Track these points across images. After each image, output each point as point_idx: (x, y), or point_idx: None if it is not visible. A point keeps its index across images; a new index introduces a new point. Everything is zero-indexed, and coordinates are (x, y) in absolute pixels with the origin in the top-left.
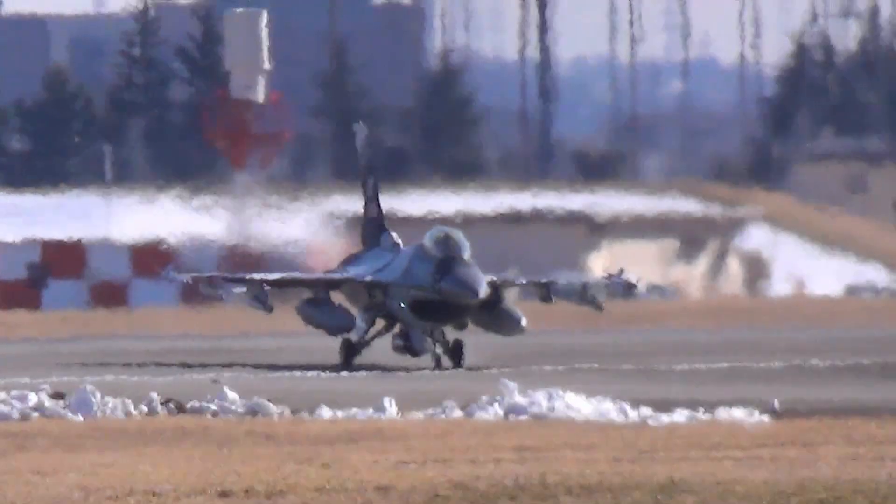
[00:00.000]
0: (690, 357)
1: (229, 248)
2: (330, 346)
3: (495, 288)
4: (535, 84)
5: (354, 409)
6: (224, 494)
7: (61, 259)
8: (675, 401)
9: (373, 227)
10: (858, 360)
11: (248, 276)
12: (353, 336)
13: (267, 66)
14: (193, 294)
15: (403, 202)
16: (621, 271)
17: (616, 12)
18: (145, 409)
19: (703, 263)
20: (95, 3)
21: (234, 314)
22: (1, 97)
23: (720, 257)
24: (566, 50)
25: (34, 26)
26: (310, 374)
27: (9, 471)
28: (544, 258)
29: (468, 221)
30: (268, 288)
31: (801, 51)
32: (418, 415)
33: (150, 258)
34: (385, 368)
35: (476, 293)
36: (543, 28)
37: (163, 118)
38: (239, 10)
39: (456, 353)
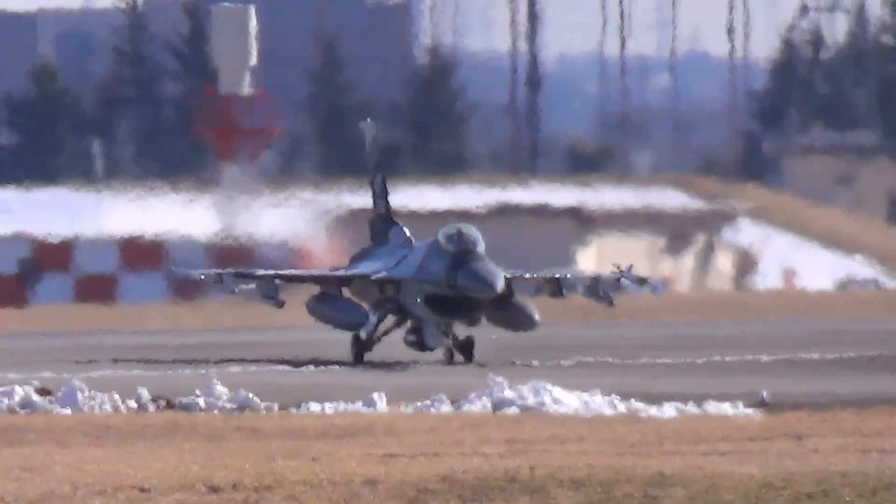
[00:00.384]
0: (679, 351)
1: (217, 243)
2: (321, 340)
3: (507, 283)
4: (524, 79)
5: (342, 404)
6: (212, 489)
7: (50, 254)
8: (665, 394)
9: (382, 223)
10: (847, 353)
11: (258, 273)
12: (364, 332)
13: (255, 61)
14: (182, 289)
15: (393, 197)
16: (631, 266)
17: (605, 7)
18: (134, 404)
19: (692, 258)
20: None
21: (223, 309)
22: None
23: (709, 251)
24: (555, 45)
25: (23, 21)
26: (302, 368)
27: None
28: (533, 252)
29: (457, 216)
30: (279, 282)
31: (790, 45)
32: (407, 409)
33: (139, 253)
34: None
35: (494, 288)
36: (533, 23)
37: (151, 114)
38: (227, 5)
39: (466, 348)
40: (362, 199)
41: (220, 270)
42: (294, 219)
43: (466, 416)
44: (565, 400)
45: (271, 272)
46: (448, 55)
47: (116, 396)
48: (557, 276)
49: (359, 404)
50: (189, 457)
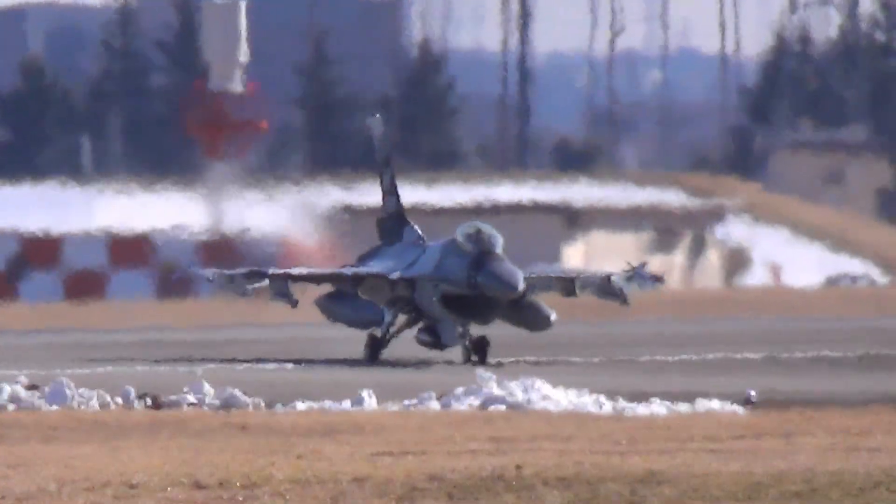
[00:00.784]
0: (668, 348)
1: (206, 239)
2: (310, 337)
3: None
4: (513, 75)
5: (329, 402)
6: (199, 486)
7: (39, 251)
8: (653, 392)
9: (392, 222)
10: (836, 351)
11: (271, 272)
12: (379, 331)
13: (245, 57)
14: (170, 286)
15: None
16: (644, 264)
17: (596, 3)
18: (121, 401)
19: (681, 254)
20: None
21: (212, 306)
22: None
23: (699, 248)
24: (545, 40)
25: (12, 16)
26: (288, 366)
27: None
28: (522, 249)
29: (446, 212)
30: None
31: (781, 41)
32: (395, 406)
33: (128, 249)
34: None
35: (515, 289)
36: (523, 18)
37: (141, 109)
38: (217, 1)
39: (481, 348)
40: (352, 195)
41: (231, 271)
42: (283, 214)
43: (454, 414)
44: (554, 397)
45: (283, 271)
46: (438, 50)
47: (104, 393)
48: (572, 275)
49: (346, 402)
50: (176, 454)
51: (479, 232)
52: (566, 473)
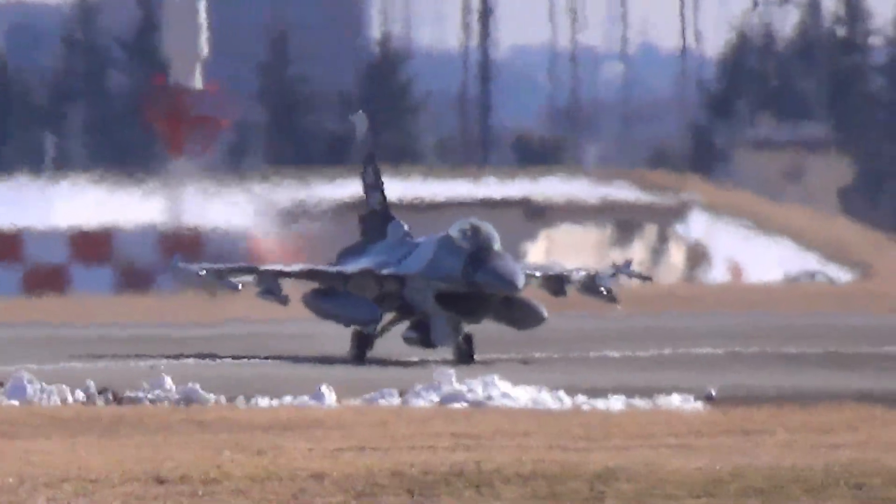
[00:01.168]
0: (628, 344)
1: (168, 234)
2: (275, 333)
3: None
4: (474, 71)
5: (289, 398)
6: (160, 481)
7: (0, 246)
8: (612, 388)
9: (376, 218)
10: (797, 347)
11: (260, 269)
12: (366, 328)
13: (205, 53)
14: (131, 281)
15: (343, 189)
16: (629, 262)
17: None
18: (82, 396)
19: (642, 250)
20: None
21: (173, 301)
22: None
23: (660, 244)
24: (507, 37)
25: None
26: (250, 361)
27: None
28: None
29: (407, 207)
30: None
31: (741, 38)
32: (355, 402)
33: (89, 244)
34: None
35: (516, 286)
36: (484, 15)
37: (102, 105)
38: None
39: (466, 345)
40: (313, 191)
41: (220, 266)
42: (244, 210)
43: (414, 410)
44: (514, 394)
45: (273, 268)
46: (399, 47)
47: (65, 388)
48: (560, 273)
49: (306, 398)
50: (136, 449)
51: (476, 229)
52: (526, 469)
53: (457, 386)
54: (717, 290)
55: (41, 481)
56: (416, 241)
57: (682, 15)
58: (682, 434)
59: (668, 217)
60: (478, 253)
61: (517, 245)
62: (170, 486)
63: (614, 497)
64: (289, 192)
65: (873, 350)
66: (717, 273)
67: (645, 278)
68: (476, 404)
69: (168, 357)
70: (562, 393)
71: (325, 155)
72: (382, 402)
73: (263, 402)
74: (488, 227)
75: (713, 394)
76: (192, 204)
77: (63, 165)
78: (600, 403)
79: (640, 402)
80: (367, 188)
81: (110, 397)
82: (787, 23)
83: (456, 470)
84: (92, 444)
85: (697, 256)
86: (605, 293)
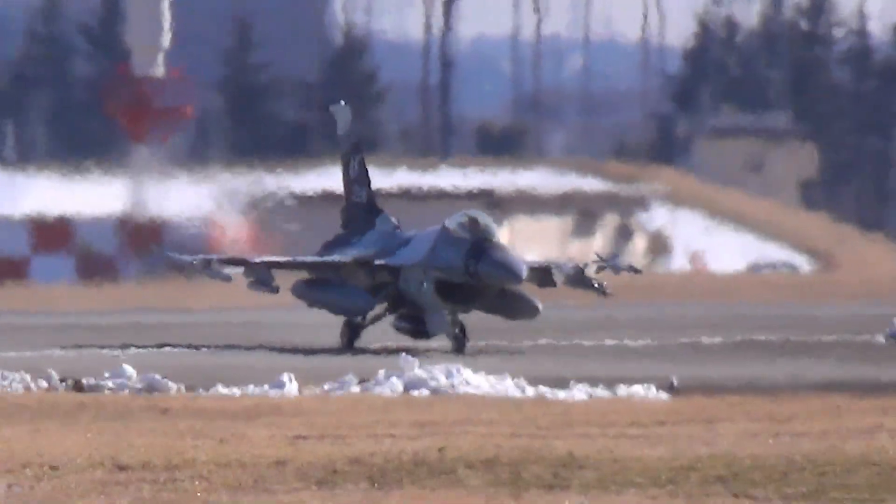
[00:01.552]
0: (590, 333)
1: (129, 224)
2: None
3: None
4: (437, 60)
5: (251, 386)
6: (121, 468)
7: None
8: (575, 377)
9: (361, 210)
10: (758, 337)
11: (251, 260)
12: (359, 317)
13: (168, 42)
14: (91, 270)
15: (305, 178)
16: (615, 255)
17: None
18: (44, 384)
19: (604, 240)
20: None
21: (133, 290)
22: None
23: (622, 234)
24: (470, 25)
25: None
26: (212, 349)
27: None
28: None
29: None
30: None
31: (704, 28)
32: (316, 390)
33: (49, 233)
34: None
35: (519, 276)
36: (447, 4)
37: (65, 94)
38: None
39: (461, 335)
40: (275, 181)
41: (209, 257)
42: (206, 199)
43: (376, 398)
44: (476, 382)
45: (263, 259)
46: (361, 36)
47: (27, 376)
48: (548, 264)
49: (267, 386)
50: (98, 436)
51: (474, 220)
52: (488, 457)
53: (419, 373)
54: (678, 279)
55: (3, 468)
56: (409, 233)
57: (644, 5)
58: (645, 423)
59: (629, 207)
60: (479, 244)
61: None
62: (131, 472)
63: (577, 484)
64: (251, 181)
65: (834, 339)
66: (679, 263)
67: (636, 271)
68: (438, 392)
69: (130, 346)
70: (524, 382)
71: (288, 144)
72: (344, 390)
73: (224, 390)
74: (487, 218)
75: (675, 383)
76: (154, 193)
77: (24, 154)
78: (563, 392)
79: (602, 392)
80: (350, 180)
81: (73, 385)
82: (750, 14)
83: (418, 458)
84: (54, 431)
85: (659, 246)
86: (596, 286)
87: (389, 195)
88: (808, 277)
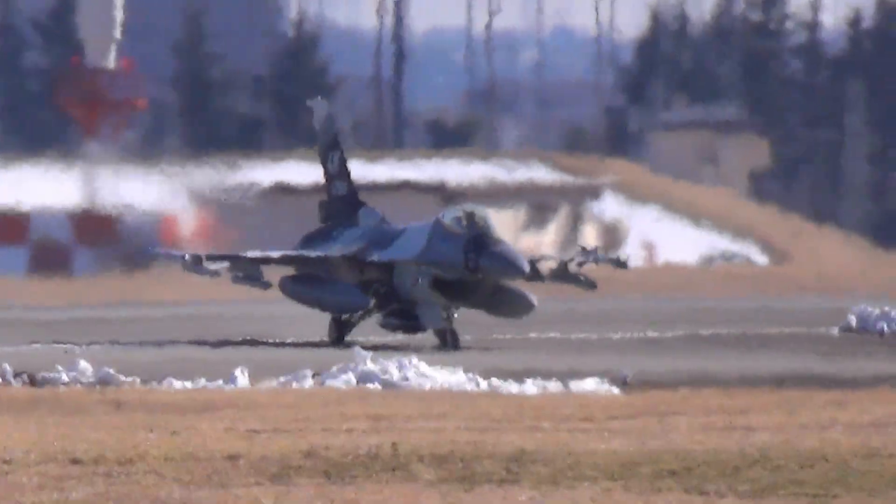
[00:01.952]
0: (543, 327)
1: (81, 216)
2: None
3: None
4: (390, 52)
5: (203, 380)
6: (75, 462)
7: None
8: (528, 371)
9: (342, 204)
10: (711, 330)
11: (241, 255)
12: (354, 315)
13: (120, 34)
14: (44, 263)
15: (257, 171)
16: (597, 248)
17: None
18: None
19: (557, 232)
20: None
21: (86, 284)
22: None
23: (575, 226)
24: (423, 18)
25: None
26: (166, 343)
27: None
28: None
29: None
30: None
31: (656, 21)
32: (270, 384)
33: (2, 226)
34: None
35: (522, 270)
36: None
37: (17, 87)
38: None
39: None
40: (230, 173)
41: (199, 253)
42: (158, 192)
43: (330, 392)
44: (429, 375)
45: (252, 254)
46: (314, 29)
47: None
48: (532, 258)
49: (221, 381)
50: (51, 430)
51: (471, 215)
52: (441, 451)
53: (372, 367)
54: (631, 272)
55: None
56: (399, 228)
57: None
58: (598, 417)
59: (582, 199)
60: (477, 238)
61: None
62: (85, 466)
63: (529, 478)
64: (204, 173)
65: (788, 332)
66: (632, 255)
67: (620, 264)
68: (392, 386)
69: (83, 338)
70: (477, 375)
71: (240, 136)
72: (297, 383)
73: (178, 384)
74: (484, 212)
75: (628, 377)
76: (108, 185)
77: None
78: (515, 386)
79: (555, 385)
80: (330, 174)
81: (26, 379)
82: (703, 6)
83: (372, 452)
84: (8, 425)
85: (612, 239)
86: (582, 280)
87: None
88: (761, 270)
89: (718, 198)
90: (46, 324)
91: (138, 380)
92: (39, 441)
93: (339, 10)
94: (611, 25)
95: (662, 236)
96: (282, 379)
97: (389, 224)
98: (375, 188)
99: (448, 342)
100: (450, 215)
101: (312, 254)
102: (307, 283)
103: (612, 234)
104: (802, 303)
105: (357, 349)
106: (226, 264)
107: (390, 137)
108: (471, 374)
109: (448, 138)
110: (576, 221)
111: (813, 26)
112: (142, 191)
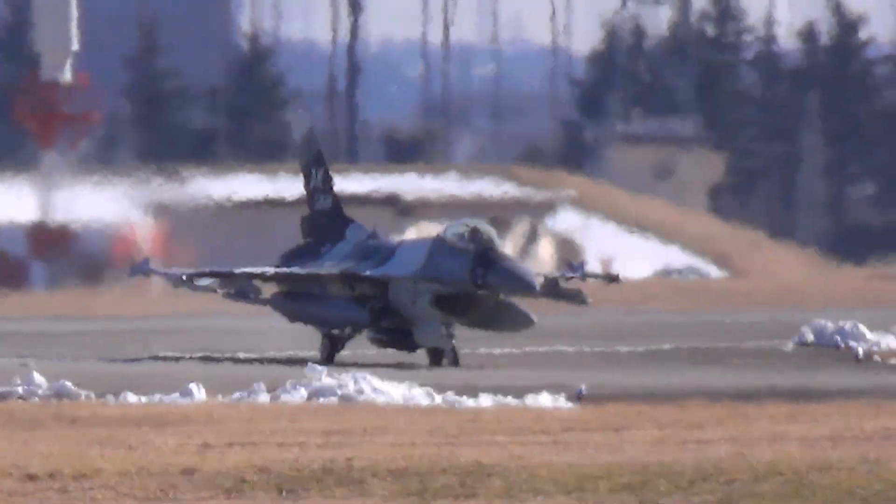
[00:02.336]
0: (498, 341)
1: (38, 228)
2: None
3: None
4: (344, 65)
5: (159, 395)
6: (30, 477)
7: None
8: (483, 386)
9: (327, 219)
10: (667, 344)
11: (235, 271)
12: (337, 331)
13: (76, 47)
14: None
15: (211, 184)
16: (583, 263)
17: None
18: None
19: (513, 246)
20: None
21: (42, 298)
22: None
23: (531, 240)
24: (377, 30)
25: None
26: (122, 358)
27: None
28: None
29: (277, 203)
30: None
31: (612, 34)
32: (225, 399)
33: None
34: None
35: (534, 286)
36: (354, 9)
37: None
38: None
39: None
40: (185, 187)
41: (191, 272)
42: (114, 205)
43: (284, 406)
44: (384, 390)
45: (246, 270)
46: (268, 41)
47: None
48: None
49: (176, 394)
50: (5, 444)
51: (476, 230)
52: (397, 466)
53: (327, 381)
54: (587, 285)
55: None
56: (391, 243)
57: (553, 11)
58: (553, 431)
59: (538, 213)
60: (484, 254)
61: None
62: (40, 481)
63: (484, 493)
64: (159, 187)
65: (742, 346)
66: (588, 269)
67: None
68: (346, 400)
69: (38, 352)
70: (432, 390)
71: (195, 149)
72: (252, 398)
73: (133, 398)
74: (488, 228)
75: (583, 391)
76: (63, 198)
77: None
78: (471, 401)
79: (510, 400)
80: (313, 190)
81: None
82: (658, 20)
83: (326, 466)
84: None
85: (567, 252)
86: (574, 295)
87: (297, 200)
88: (716, 284)
89: (674, 212)
90: (2, 337)
91: (94, 394)
92: None
93: (293, 24)
94: (567, 39)
95: (619, 250)
96: (237, 394)
97: (380, 239)
98: None
99: (448, 359)
100: (452, 231)
101: (308, 270)
102: (304, 299)
103: (568, 249)
104: (758, 317)
105: (311, 364)
106: (217, 281)
107: (345, 150)
108: (426, 389)
109: (403, 151)
110: (532, 236)
111: (768, 40)
112: (97, 204)
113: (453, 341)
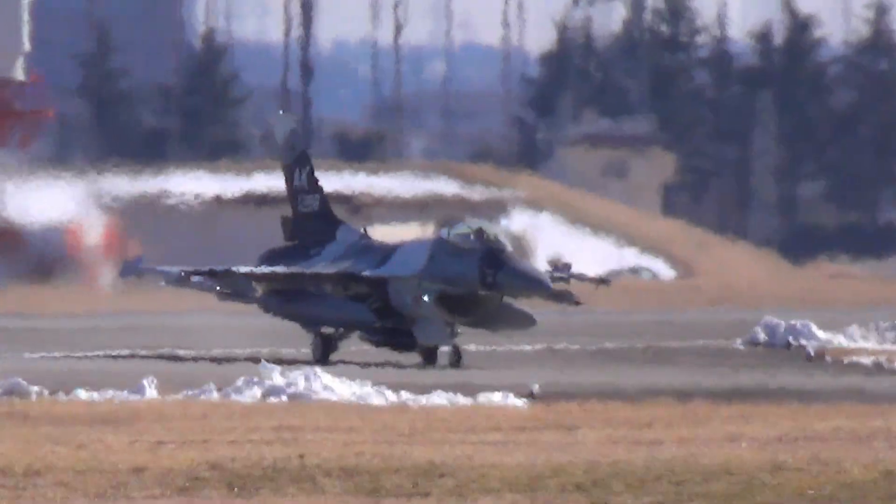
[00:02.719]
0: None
1: None
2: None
3: None
4: (297, 64)
5: (111, 391)
6: None
7: None
8: (435, 385)
9: (314, 220)
10: (617, 343)
11: (232, 270)
12: (329, 330)
13: (27, 46)
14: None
15: (163, 183)
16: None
17: None
18: None
19: None
20: None
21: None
22: None
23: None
24: (330, 30)
25: None
26: (75, 355)
27: None
28: None
29: (229, 202)
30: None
31: (563, 34)
32: (177, 396)
33: None
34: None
35: (547, 286)
36: (306, 10)
37: None
38: None
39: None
40: (138, 185)
41: (189, 269)
42: (65, 204)
43: (236, 404)
44: (336, 388)
45: (241, 270)
46: (221, 41)
47: None
48: None
49: (127, 392)
50: None
51: (481, 230)
52: (349, 464)
53: (278, 380)
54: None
55: None
56: (386, 244)
57: (505, 10)
58: (504, 430)
59: (490, 212)
60: (493, 254)
61: None
62: None
63: (436, 492)
64: (112, 185)
65: (693, 346)
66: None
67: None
68: (298, 398)
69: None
70: (385, 388)
71: (148, 148)
72: (204, 396)
73: (84, 395)
74: (494, 228)
75: (535, 390)
76: (14, 196)
77: None
78: (423, 399)
79: (462, 399)
80: (296, 190)
81: None
82: (611, 20)
83: (278, 464)
84: None
85: (519, 252)
86: (565, 296)
87: (247, 199)
88: (668, 283)
89: (626, 212)
90: None
91: (46, 391)
92: None
93: (246, 23)
94: (520, 39)
95: (570, 250)
96: (188, 392)
97: (371, 240)
98: (279, 199)
99: (459, 358)
100: (455, 231)
101: (306, 270)
102: (298, 299)
103: (520, 248)
104: (709, 316)
105: (263, 362)
106: (213, 279)
107: None
108: (379, 387)
109: (354, 150)
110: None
111: (721, 40)
112: (49, 201)
113: (454, 341)
